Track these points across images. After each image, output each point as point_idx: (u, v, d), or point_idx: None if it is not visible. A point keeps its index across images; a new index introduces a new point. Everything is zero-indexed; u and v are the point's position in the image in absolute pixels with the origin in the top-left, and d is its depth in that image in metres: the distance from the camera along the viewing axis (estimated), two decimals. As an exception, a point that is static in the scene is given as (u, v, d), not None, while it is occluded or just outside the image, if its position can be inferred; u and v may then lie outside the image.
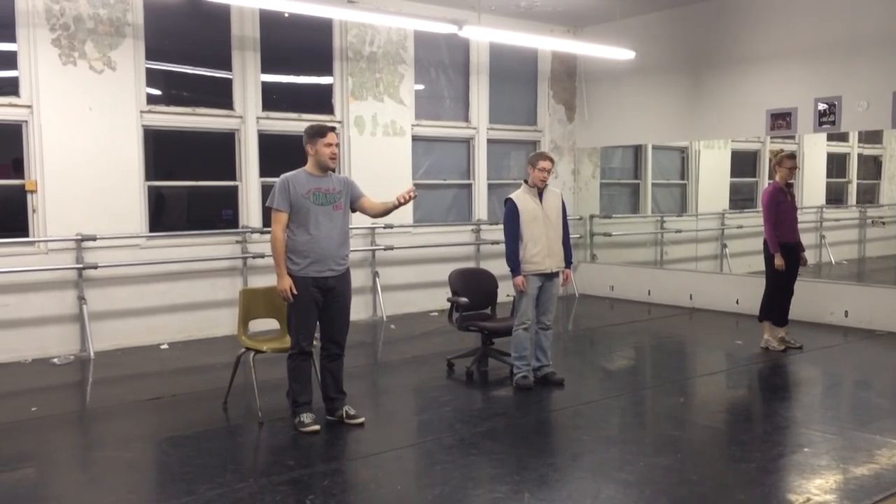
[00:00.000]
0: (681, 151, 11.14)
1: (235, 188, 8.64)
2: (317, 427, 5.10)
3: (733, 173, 11.08)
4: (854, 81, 8.43)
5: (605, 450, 4.86)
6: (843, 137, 10.22)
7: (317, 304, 5.10)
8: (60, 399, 6.32)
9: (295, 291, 5.00)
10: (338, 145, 5.23)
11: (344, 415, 5.25)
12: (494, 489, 4.20)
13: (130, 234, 7.84)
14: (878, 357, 7.52)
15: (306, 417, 5.12)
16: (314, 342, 5.21)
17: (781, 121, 9.06)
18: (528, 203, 6.14)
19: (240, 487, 4.21)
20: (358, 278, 8.74)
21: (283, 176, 5.11)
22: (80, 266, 7.49)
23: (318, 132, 5.11)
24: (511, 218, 6.13)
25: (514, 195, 6.22)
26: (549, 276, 6.19)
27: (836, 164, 11.00)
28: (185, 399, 6.07)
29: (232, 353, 6.06)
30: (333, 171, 5.24)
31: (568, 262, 6.34)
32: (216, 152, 8.66)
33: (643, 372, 7.37)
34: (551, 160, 6.21)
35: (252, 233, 8.55)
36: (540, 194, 6.17)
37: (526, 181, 6.23)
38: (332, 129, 5.23)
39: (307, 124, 5.34)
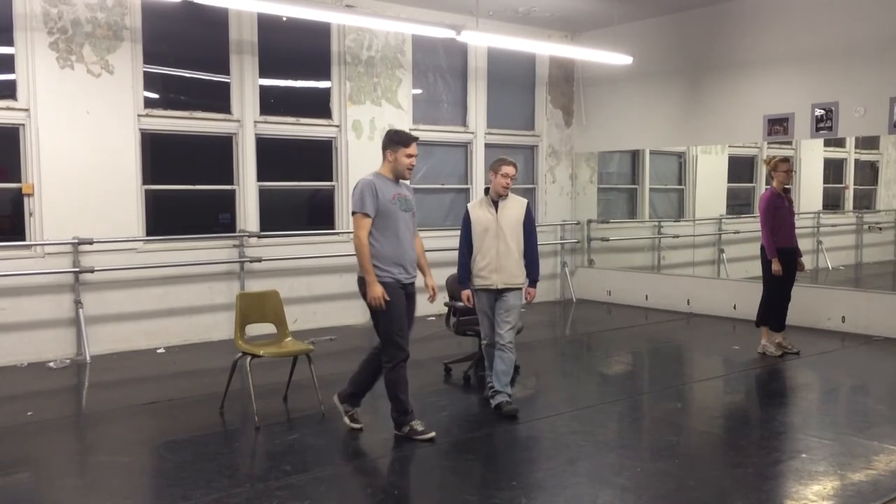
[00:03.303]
0: (678, 156, 11.15)
1: (233, 192, 8.63)
2: (433, 434, 4.94)
3: (730, 178, 11.08)
4: (851, 87, 8.45)
5: (602, 455, 4.86)
6: (840, 143, 10.23)
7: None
8: (56, 403, 6.29)
9: (387, 298, 4.87)
10: (416, 156, 5.08)
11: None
12: (491, 494, 4.18)
13: (127, 237, 7.82)
14: (875, 362, 7.52)
15: (419, 425, 4.97)
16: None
17: (778, 126, 9.07)
18: (482, 214, 5.71)
19: (236, 493, 4.19)
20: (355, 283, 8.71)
21: (365, 180, 4.98)
22: (77, 270, 7.48)
23: (403, 141, 5.00)
24: (463, 227, 5.82)
25: (470, 204, 5.91)
26: (499, 292, 5.66)
27: (833, 170, 11.02)
28: (181, 403, 6.06)
29: (229, 357, 6.04)
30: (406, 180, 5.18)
31: (533, 279, 5.75)
32: (214, 156, 8.66)
33: (640, 377, 7.37)
34: (515, 166, 5.70)
35: (249, 237, 8.54)
36: (499, 204, 5.71)
37: (486, 190, 5.80)
38: (416, 139, 5.08)
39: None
